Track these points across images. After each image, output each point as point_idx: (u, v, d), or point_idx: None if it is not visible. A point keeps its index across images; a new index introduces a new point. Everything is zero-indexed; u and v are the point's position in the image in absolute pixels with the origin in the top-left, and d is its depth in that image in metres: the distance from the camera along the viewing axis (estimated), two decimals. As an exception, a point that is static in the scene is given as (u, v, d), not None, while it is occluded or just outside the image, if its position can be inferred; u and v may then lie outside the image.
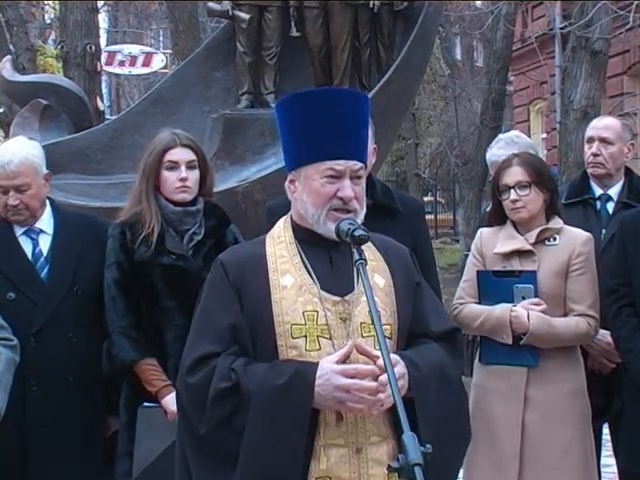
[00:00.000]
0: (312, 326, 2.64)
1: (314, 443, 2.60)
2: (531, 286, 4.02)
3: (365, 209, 2.77)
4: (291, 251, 2.74)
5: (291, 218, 2.80)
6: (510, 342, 4.00)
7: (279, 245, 2.76)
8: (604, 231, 4.60)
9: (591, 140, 4.74)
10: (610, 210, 4.69)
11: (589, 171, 4.74)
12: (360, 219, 2.71)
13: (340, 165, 2.68)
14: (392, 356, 2.58)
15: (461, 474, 4.21)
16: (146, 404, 3.94)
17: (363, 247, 2.66)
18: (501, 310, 4.01)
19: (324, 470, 2.60)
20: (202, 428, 2.61)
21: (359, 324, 2.67)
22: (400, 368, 2.58)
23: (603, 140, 4.69)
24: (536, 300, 4.00)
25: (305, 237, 2.75)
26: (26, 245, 4.02)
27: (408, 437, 2.23)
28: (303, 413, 2.55)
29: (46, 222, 4.08)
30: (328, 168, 2.68)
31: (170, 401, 3.85)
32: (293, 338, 2.63)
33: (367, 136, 2.79)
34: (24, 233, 4.04)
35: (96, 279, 4.05)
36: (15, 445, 3.77)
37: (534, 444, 3.97)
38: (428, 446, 2.24)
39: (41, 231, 4.06)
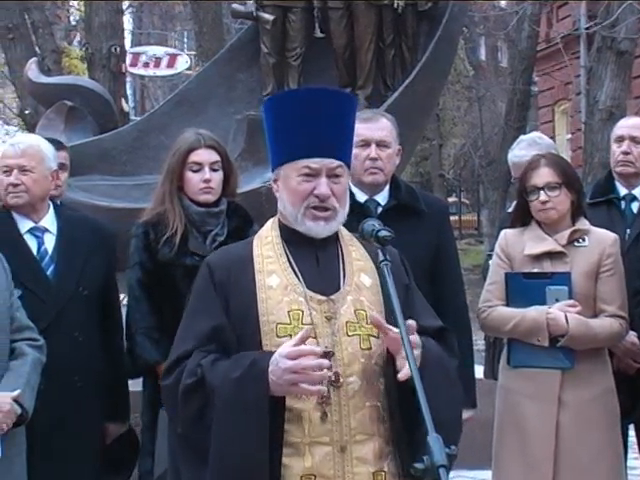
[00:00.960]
0: (297, 325, 2.64)
1: (299, 441, 2.60)
2: (565, 288, 3.98)
3: (347, 209, 2.76)
4: (278, 251, 2.75)
5: (278, 218, 2.82)
6: (547, 344, 3.96)
7: (266, 246, 2.77)
8: (628, 231, 4.57)
9: (621, 139, 4.72)
10: (635, 210, 4.67)
11: (618, 170, 4.71)
12: (341, 218, 2.72)
13: (316, 163, 2.68)
14: (411, 322, 2.57)
15: (489, 476, 4.19)
16: (168, 406, 3.95)
17: (350, 246, 2.71)
18: (536, 312, 3.97)
19: (309, 468, 2.60)
20: (178, 426, 2.66)
21: (344, 323, 2.67)
22: (417, 340, 2.58)
23: (633, 139, 4.67)
24: (571, 302, 3.96)
25: (291, 237, 2.76)
26: (31, 243, 4.03)
27: (433, 438, 2.23)
28: (261, 403, 2.55)
29: (50, 221, 4.09)
30: (304, 166, 2.69)
31: None
32: (278, 337, 2.64)
33: (349, 135, 2.77)
34: (29, 231, 4.04)
35: (101, 282, 4.08)
36: None
37: (568, 446, 3.95)
38: (453, 448, 2.24)
39: (46, 230, 4.07)
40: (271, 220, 2.84)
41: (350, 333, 2.66)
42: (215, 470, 2.57)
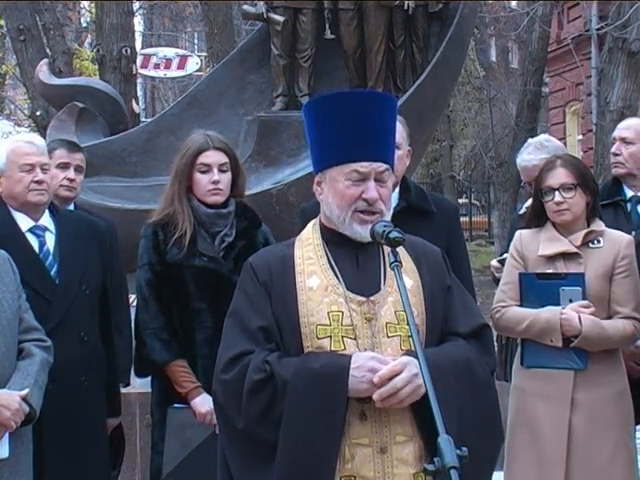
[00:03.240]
0: (337, 326, 2.66)
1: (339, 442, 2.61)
2: (579, 288, 3.97)
3: (391, 210, 2.77)
4: (318, 252, 2.76)
5: (320, 220, 2.82)
6: (560, 345, 3.95)
7: (307, 247, 2.78)
8: (634, 233, 4.54)
9: (614, 140, 4.74)
10: None
11: (612, 171, 4.72)
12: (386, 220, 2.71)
13: (364, 167, 2.68)
14: (400, 359, 2.59)
15: (501, 477, 4.17)
16: (176, 405, 3.97)
17: None
18: (550, 313, 3.97)
19: (349, 469, 2.61)
20: (240, 422, 2.63)
21: (384, 324, 2.67)
22: (407, 372, 2.57)
23: (623, 140, 4.67)
24: (585, 302, 3.96)
25: (332, 238, 2.76)
26: (33, 242, 3.99)
27: (444, 440, 2.22)
28: (340, 394, 2.56)
29: (48, 220, 4.07)
30: (352, 170, 2.69)
31: (199, 403, 3.88)
32: (318, 339, 2.65)
33: (393, 138, 2.78)
34: (29, 230, 4.00)
35: (99, 279, 4.09)
36: (32, 441, 3.79)
37: (581, 447, 3.94)
38: (464, 449, 2.23)
39: (46, 229, 4.04)
40: (312, 222, 2.84)
41: (390, 334, 2.67)
42: (285, 461, 2.57)
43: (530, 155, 5.04)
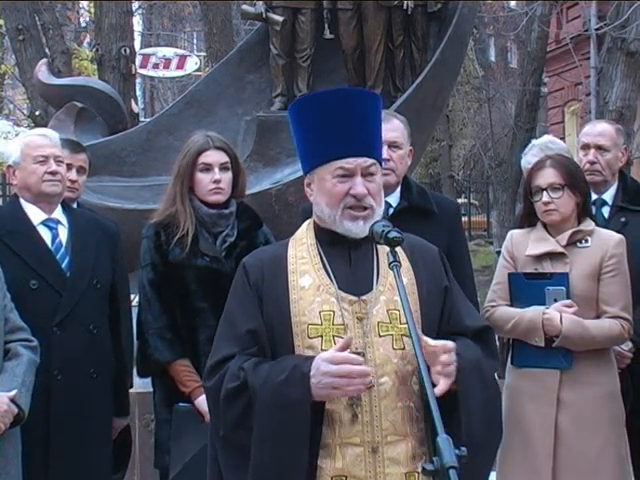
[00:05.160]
0: (328, 326, 2.66)
1: (330, 442, 2.62)
2: (563, 288, 4.00)
3: (382, 206, 2.77)
4: (311, 252, 2.77)
5: (314, 220, 2.83)
6: (542, 344, 3.99)
7: (300, 247, 2.79)
8: None
9: (586, 147, 4.67)
10: (606, 214, 4.64)
11: (587, 178, 4.68)
12: (377, 216, 2.71)
13: (350, 163, 2.69)
14: (447, 342, 2.59)
15: (493, 477, 4.18)
16: (180, 404, 3.98)
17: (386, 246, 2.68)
18: (533, 313, 3.99)
19: (340, 469, 2.62)
20: (220, 429, 2.67)
21: (376, 323, 2.67)
22: (451, 356, 2.58)
23: (599, 148, 4.63)
24: (568, 302, 3.97)
25: (326, 238, 2.77)
26: (45, 235, 4.04)
27: (443, 439, 2.22)
28: (302, 406, 2.56)
29: (61, 214, 4.12)
30: (338, 167, 2.70)
31: (202, 401, 3.89)
32: (309, 338, 2.66)
33: (379, 133, 2.78)
34: (42, 223, 4.05)
35: (110, 275, 4.13)
36: (39, 432, 3.80)
37: (568, 447, 3.95)
38: (463, 449, 2.23)
39: (59, 222, 4.09)
40: (307, 222, 2.85)
41: (382, 333, 2.67)
42: (255, 472, 2.59)
43: (535, 158, 5.01)
